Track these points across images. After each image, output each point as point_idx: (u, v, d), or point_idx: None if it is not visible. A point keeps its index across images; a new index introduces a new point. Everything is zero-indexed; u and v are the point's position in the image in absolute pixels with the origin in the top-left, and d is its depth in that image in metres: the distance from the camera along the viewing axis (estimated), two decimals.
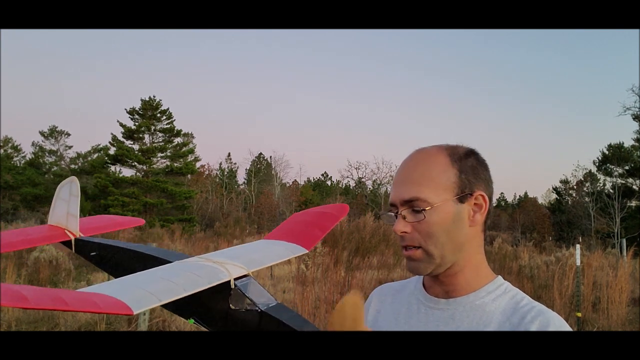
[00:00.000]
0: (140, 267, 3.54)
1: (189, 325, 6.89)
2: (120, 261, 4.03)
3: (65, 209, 4.64)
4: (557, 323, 0.91)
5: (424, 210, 0.97)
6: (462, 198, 0.98)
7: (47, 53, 60.41)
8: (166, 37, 63.58)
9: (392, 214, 1.02)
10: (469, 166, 1.00)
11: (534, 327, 0.90)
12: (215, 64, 66.33)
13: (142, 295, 2.90)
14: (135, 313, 2.67)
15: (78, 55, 61.43)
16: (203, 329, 3.53)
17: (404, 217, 0.99)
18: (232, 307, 3.28)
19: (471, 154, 1.03)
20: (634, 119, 30.31)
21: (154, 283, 3.09)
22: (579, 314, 6.87)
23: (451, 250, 0.98)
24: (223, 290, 3.28)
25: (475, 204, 1.00)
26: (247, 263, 3.53)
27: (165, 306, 3.45)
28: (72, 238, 4.50)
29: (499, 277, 1.05)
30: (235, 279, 3.33)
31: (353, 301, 0.85)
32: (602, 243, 22.89)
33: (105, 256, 4.17)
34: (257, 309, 3.26)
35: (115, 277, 3.73)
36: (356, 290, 0.91)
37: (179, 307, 3.50)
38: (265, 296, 3.37)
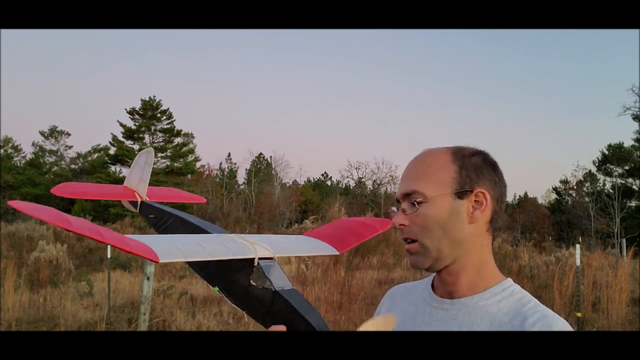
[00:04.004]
0: (184, 233, 3.99)
1: (189, 325, 6.91)
2: (171, 225, 4.52)
3: (139, 174, 5.30)
4: (560, 327, 0.89)
5: (420, 202, 0.99)
6: (460, 194, 0.98)
7: (47, 53, 60.44)
8: (166, 37, 63.61)
9: (396, 208, 1.06)
10: (472, 164, 1.01)
11: (534, 330, 0.89)
12: (216, 64, 66.38)
13: (172, 250, 3.20)
14: (160, 262, 2.99)
15: (79, 55, 61.47)
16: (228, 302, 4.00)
17: (404, 211, 1.02)
18: (252, 283, 3.63)
19: (478, 153, 1.04)
20: (633, 119, 30.37)
21: (186, 244, 3.42)
22: (579, 314, 6.87)
23: (448, 245, 0.99)
24: (247, 266, 3.59)
25: (475, 201, 0.99)
26: (274, 248, 3.87)
27: (196, 271, 3.98)
28: (139, 200, 5.14)
29: (508, 279, 1.03)
30: (260, 259, 3.66)
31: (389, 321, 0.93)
32: (602, 243, 22.91)
33: (160, 219, 4.71)
34: (271, 288, 3.60)
35: None
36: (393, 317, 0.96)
37: (207, 274, 3.94)
38: (283, 280, 3.70)
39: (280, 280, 3.61)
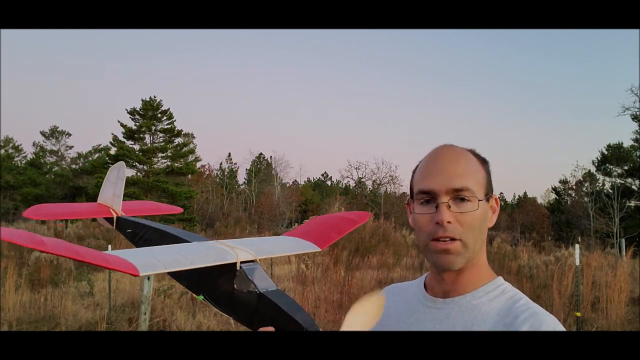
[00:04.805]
0: (163, 244, 3.93)
1: (189, 325, 6.90)
2: (149, 239, 4.43)
3: (112, 190, 5.21)
4: (551, 325, 0.89)
5: (471, 201, 0.97)
6: (488, 198, 1.02)
7: (47, 53, 60.42)
8: (166, 37, 63.58)
9: (425, 201, 0.99)
10: (489, 170, 1.06)
11: (524, 328, 0.89)
12: (216, 64, 66.38)
13: (152, 262, 3.17)
14: (141, 275, 2.97)
15: (79, 55, 61.46)
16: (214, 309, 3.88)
17: (449, 207, 0.96)
18: (236, 287, 3.57)
19: (487, 161, 1.08)
20: (633, 119, 30.32)
21: (167, 255, 3.38)
22: (578, 314, 6.86)
23: (479, 246, 1.00)
24: (229, 271, 3.59)
25: (491, 206, 1.04)
26: (256, 251, 3.83)
27: (179, 281, 3.83)
28: (115, 216, 5.02)
29: (499, 277, 1.04)
30: (242, 262, 3.61)
31: (376, 300, 0.94)
32: (601, 243, 22.91)
33: (138, 233, 4.59)
34: (256, 290, 3.54)
35: None
36: (380, 292, 0.97)
37: (190, 283, 3.85)
38: (267, 281, 3.65)
39: (264, 282, 3.57)
